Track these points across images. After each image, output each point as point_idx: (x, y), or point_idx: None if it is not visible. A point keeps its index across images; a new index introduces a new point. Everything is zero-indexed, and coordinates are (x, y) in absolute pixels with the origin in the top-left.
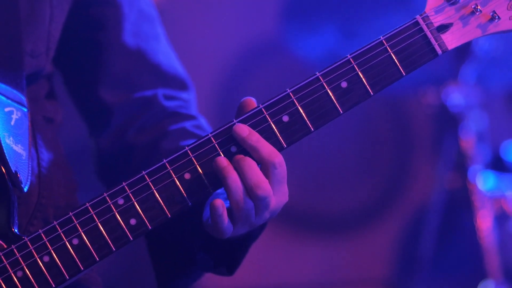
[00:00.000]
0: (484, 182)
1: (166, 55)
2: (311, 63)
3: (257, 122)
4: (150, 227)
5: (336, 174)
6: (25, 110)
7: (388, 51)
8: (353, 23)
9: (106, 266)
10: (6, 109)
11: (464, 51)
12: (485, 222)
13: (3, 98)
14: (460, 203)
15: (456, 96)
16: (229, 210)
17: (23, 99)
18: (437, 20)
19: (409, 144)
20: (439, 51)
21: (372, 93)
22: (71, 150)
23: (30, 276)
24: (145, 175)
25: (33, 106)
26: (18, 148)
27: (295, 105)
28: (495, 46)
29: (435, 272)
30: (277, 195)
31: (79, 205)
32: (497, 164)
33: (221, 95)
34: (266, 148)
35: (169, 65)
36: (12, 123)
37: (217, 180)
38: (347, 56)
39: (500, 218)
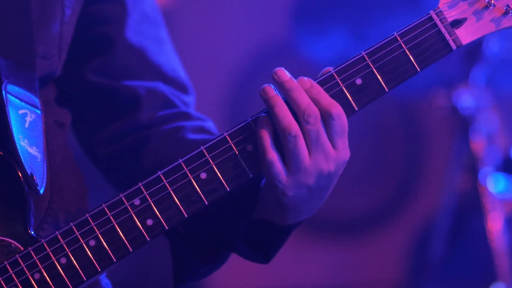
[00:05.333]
0: (494, 184)
1: (168, 58)
2: (321, 65)
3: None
4: (167, 228)
5: (347, 176)
6: (39, 112)
7: (402, 47)
8: (363, 25)
9: (115, 267)
10: (20, 112)
11: (474, 53)
12: (495, 225)
13: (17, 100)
14: (471, 206)
15: (466, 99)
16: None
17: (37, 101)
18: (451, 15)
19: (419, 146)
20: (454, 46)
21: (387, 90)
22: (80, 155)
23: (48, 278)
24: (161, 176)
25: (45, 110)
26: (33, 151)
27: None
28: (506, 48)
29: (445, 274)
30: (337, 150)
31: (95, 207)
32: (507, 167)
33: (231, 97)
34: (326, 100)
35: (170, 68)
36: (26, 125)
37: (234, 179)
38: (362, 53)
39: (511, 220)
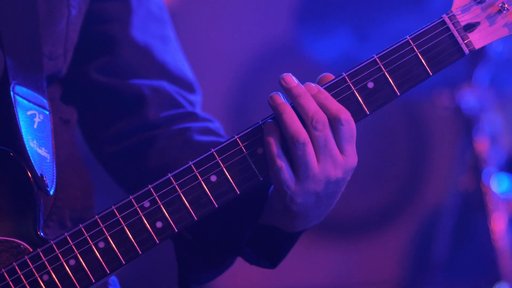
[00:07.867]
0: (498, 184)
1: (174, 57)
2: (325, 65)
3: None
4: (176, 230)
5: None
6: (47, 113)
7: (414, 51)
8: (367, 25)
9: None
10: (29, 113)
11: (478, 53)
12: (499, 225)
13: (25, 101)
14: (474, 206)
15: (470, 99)
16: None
17: (45, 102)
18: (464, 19)
19: (423, 146)
20: (466, 51)
21: (399, 94)
22: (86, 152)
23: (56, 280)
24: (171, 178)
25: (50, 108)
26: (42, 151)
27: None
28: (509, 48)
29: (449, 274)
30: (345, 156)
31: (104, 208)
32: (511, 167)
33: (235, 97)
34: (334, 105)
35: (176, 66)
36: (35, 126)
37: (244, 182)
38: (373, 56)
39: None
